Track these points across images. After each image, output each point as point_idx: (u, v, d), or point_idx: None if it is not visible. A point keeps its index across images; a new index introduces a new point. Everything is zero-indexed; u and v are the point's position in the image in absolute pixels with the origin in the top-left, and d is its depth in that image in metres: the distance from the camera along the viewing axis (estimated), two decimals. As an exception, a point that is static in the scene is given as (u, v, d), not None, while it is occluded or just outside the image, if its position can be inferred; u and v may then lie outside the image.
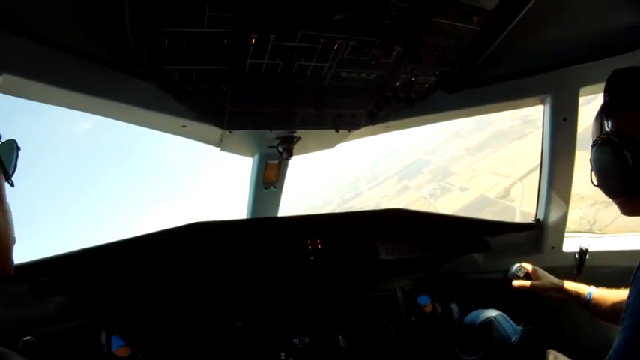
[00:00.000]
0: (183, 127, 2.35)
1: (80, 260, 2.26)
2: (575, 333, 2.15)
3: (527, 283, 2.44)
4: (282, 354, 2.63)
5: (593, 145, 1.65)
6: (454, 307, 2.79)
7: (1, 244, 1.01)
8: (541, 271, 2.47)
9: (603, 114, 1.65)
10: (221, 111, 2.23)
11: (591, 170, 1.70)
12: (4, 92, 1.72)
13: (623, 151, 1.52)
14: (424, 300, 2.85)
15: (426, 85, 2.35)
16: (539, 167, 2.85)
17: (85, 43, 1.79)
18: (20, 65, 1.66)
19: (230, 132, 2.42)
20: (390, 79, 2.21)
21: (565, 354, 2.44)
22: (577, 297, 2.26)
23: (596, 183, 1.68)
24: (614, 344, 1.46)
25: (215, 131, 2.42)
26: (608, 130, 1.61)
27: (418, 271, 3.04)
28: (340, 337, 2.73)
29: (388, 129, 2.88)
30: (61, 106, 2.05)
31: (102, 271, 2.36)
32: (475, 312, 2.70)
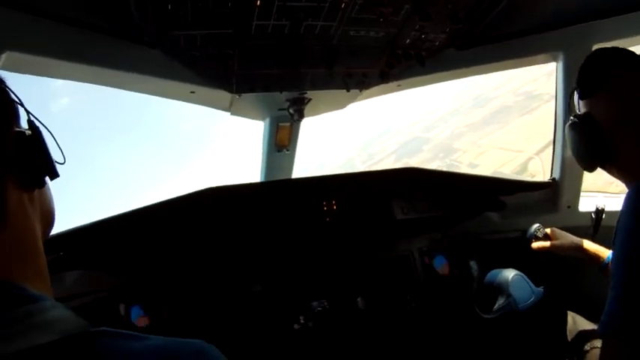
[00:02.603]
0: (192, 92, 2.34)
1: (95, 233, 2.29)
2: (593, 295, 2.14)
3: (547, 243, 2.44)
4: (302, 317, 2.65)
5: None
6: (472, 267, 2.78)
7: (50, 219, 1.04)
8: (559, 231, 2.47)
9: (575, 92, 1.83)
10: (229, 75, 2.20)
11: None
12: (8, 70, 1.69)
13: (587, 134, 1.73)
14: (441, 261, 2.85)
15: (437, 43, 2.29)
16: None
17: (88, 14, 1.76)
18: (24, 41, 1.65)
19: (239, 96, 2.39)
20: (400, 37, 2.15)
21: (583, 315, 2.45)
22: (596, 259, 2.26)
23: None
24: (606, 305, 1.56)
25: (224, 96, 2.40)
26: (578, 110, 1.81)
27: (434, 232, 3.02)
28: (359, 299, 2.74)
29: (400, 87, 2.83)
30: (68, 79, 2.04)
31: (117, 243, 2.39)
32: (493, 272, 2.69)
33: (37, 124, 1.02)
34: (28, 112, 1.02)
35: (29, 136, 0.99)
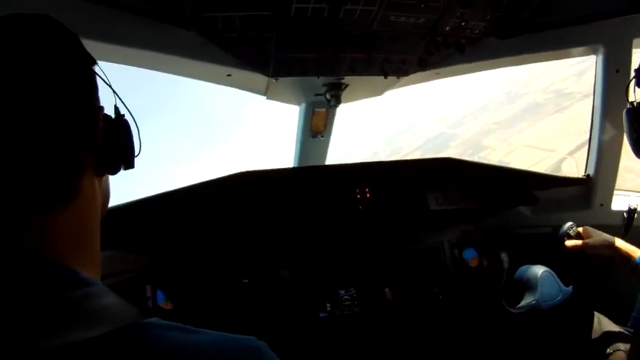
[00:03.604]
0: (229, 75, 2.33)
1: (126, 214, 2.33)
2: (621, 296, 2.11)
3: (580, 242, 2.41)
4: (328, 305, 2.66)
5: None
6: (503, 259, 2.74)
7: (106, 208, 1.06)
8: (592, 229, 2.44)
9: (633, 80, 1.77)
10: (266, 58, 2.19)
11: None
12: None
13: None
14: (471, 253, 2.82)
15: (477, 31, 2.23)
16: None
17: None
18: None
19: (276, 79, 2.38)
20: (440, 24, 2.09)
21: (610, 317, 2.42)
22: (627, 258, 2.22)
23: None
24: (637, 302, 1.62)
25: (261, 79, 2.39)
26: (634, 98, 1.77)
27: (466, 224, 2.99)
28: (387, 289, 2.73)
29: (438, 75, 2.78)
30: (103, 60, 2.06)
31: (148, 225, 2.42)
32: (523, 267, 2.67)
33: (126, 112, 1.04)
34: (118, 98, 1.04)
35: (118, 121, 1.01)
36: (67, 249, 0.83)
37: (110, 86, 1.02)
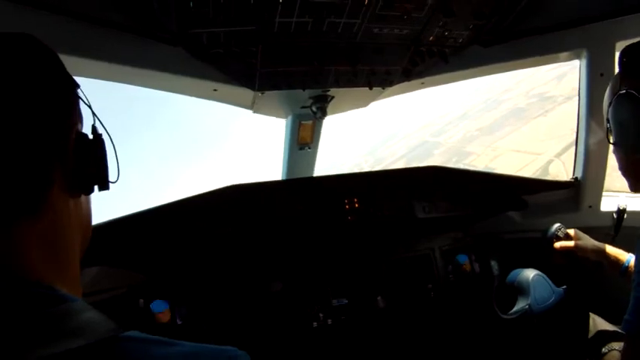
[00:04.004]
0: (215, 90, 2.34)
1: (114, 230, 2.31)
2: (614, 295, 2.13)
3: (570, 243, 2.42)
4: (321, 315, 2.66)
5: (611, 101, 1.72)
6: (493, 266, 2.77)
7: (88, 232, 1.04)
8: (581, 233, 2.45)
9: (617, 79, 1.74)
10: (252, 72, 2.20)
11: (608, 129, 1.78)
12: None
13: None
14: (462, 259, 2.83)
15: (460, 40, 2.26)
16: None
17: (109, 12, 1.78)
18: (45, 40, 1.67)
19: (262, 93, 2.39)
20: (423, 35, 2.12)
21: (603, 316, 2.43)
22: (615, 262, 2.25)
23: (613, 141, 1.76)
24: (629, 304, 1.60)
25: (247, 93, 2.40)
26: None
27: (456, 231, 3.01)
28: (379, 297, 2.74)
29: (423, 85, 2.80)
30: (89, 77, 2.06)
31: (137, 240, 2.40)
32: (514, 271, 2.68)
33: (103, 132, 1.04)
34: (96, 118, 1.04)
35: (90, 140, 1.01)
36: (37, 263, 0.82)
37: (89, 106, 1.03)
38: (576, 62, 2.69)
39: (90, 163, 0.97)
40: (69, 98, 0.96)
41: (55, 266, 0.86)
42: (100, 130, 1.05)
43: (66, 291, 0.82)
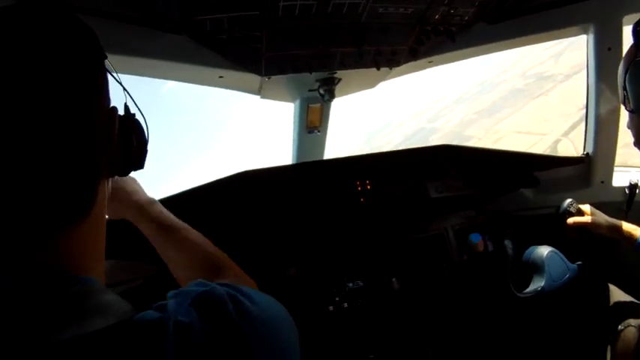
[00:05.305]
0: (221, 77, 2.33)
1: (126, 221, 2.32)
2: (629, 270, 2.12)
3: (583, 219, 2.41)
4: (337, 298, 2.67)
5: (628, 68, 1.68)
6: (507, 244, 2.75)
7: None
8: (593, 209, 2.43)
9: (632, 49, 1.70)
10: (258, 57, 2.18)
11: (625, 97, 1.73)
12: None
13: None
14: (476, 238, 2.81)
15: (466, 17, 2.22)
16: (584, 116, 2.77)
17: (111, 3, 1.76)
18: None
19: (269, 78, 2.37)
20: (429, 13, 2.08)
21: (621, 288, 2.43)
22: (629, 238, 2.22)
23: (632, 107, 1.72)
24: None
25: (254, 79, 2.39)
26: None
27: (469, 209, 3.00)
28: (394, 279, 2.73)
29: (431, 64, 2.77)
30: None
31: None
32: (528, 249, 2.68)
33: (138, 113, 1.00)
34: (129, 96, 1.01)
35: (131, 121, 0.96)
36: (88, 262, 0.80)
37: (121, 83, 0.99)
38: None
39: (132, 146, 0.93)
40: (105, 78, 0.88)
41: (95, 257, 0.84)
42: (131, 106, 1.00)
43: (96, 276, 0.79)
